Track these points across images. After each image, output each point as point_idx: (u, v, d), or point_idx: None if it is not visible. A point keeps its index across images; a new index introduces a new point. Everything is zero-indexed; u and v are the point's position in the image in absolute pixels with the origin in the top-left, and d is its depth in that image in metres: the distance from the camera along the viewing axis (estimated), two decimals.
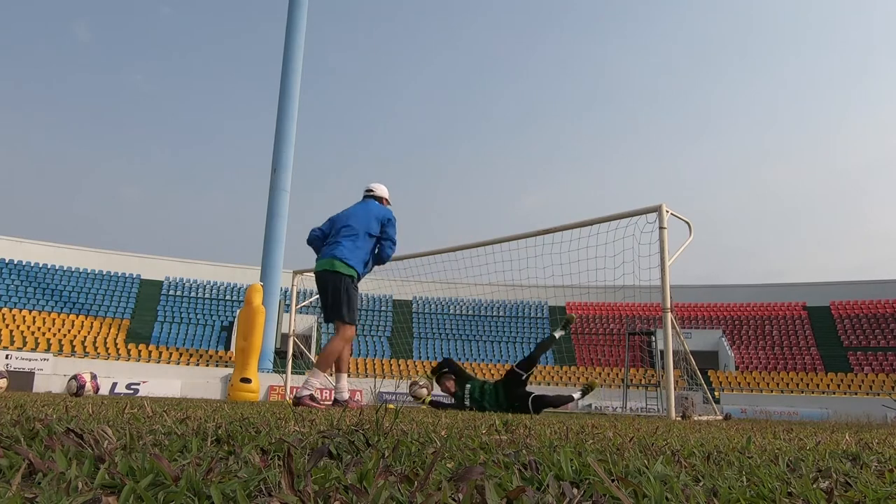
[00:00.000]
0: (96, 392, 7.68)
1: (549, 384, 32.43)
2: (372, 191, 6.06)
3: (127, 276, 38.47)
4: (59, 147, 78.31)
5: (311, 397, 5.28)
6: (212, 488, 0.71)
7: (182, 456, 1.05)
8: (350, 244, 5.48)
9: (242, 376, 10.17)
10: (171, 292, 38.48)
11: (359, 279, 5.57)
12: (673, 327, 6.63)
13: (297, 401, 5.19)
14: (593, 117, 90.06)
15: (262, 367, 24.75)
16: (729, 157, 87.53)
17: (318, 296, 5.60)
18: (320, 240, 5.79)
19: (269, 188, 28.45)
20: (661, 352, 7.03)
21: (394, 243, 5.74)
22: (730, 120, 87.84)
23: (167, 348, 32.74)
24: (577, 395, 6.94)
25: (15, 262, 36.22)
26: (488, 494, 0.74)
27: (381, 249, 5.71)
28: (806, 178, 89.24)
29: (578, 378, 34.18)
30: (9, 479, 0.78)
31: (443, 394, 7.08)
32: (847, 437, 2.56)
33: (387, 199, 6.09)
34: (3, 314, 32.01)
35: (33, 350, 29.22)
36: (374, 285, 34.12)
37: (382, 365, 34.65)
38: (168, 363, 31.28)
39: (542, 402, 6.60)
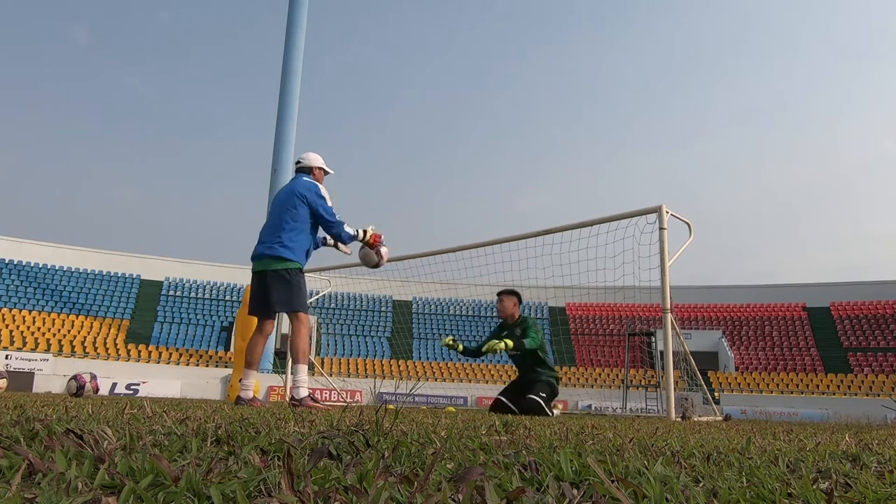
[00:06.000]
0: (96, 392, 7.68)
1: None
2: (300, 162, 5.50)
3: (127, 276, 38.46)
4: (59, 148, 78.34)
5: (312, 398, 5.16)
6: (212, 489, 0.71)
7: (182, 456, 1.05)
8: (285, 237, 5.11)
9: (242, 377, 10.15)
10: (171, 292, 38.47)
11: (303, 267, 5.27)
12: (673, 328, 6.63)
13: (298, 402, 5.02)
14: (592, 118, 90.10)
15: (262, 368, 24.75)
16: (729, 157, 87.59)
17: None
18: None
19: (269, 188, 28.48)
20: (661, 352, 7.02)
21: (330, 220, 5.17)
22: (730, 120, 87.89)
23: (167, 349, 32.74)
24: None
25: (15, 263, 36.21)
26: (488, 495, 0.74)
27: (327, 232, 5.26)
28: (806, 178, 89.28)
29: (578, 378, 34.16)
30: (9, 479, 0.78)
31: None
32: (847, 438, 2.56)
33: (319, 169, 5.48)
34: (3, 314, 32.01)
35: (33, 350, 29.22)
36: (374, 286, 34.11)
37: (382, 365, 34.64)
38: (168, 363, 31.28)
39: (534, 407, 5.90)
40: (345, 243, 5.42)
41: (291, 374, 5.39)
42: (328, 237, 5.47)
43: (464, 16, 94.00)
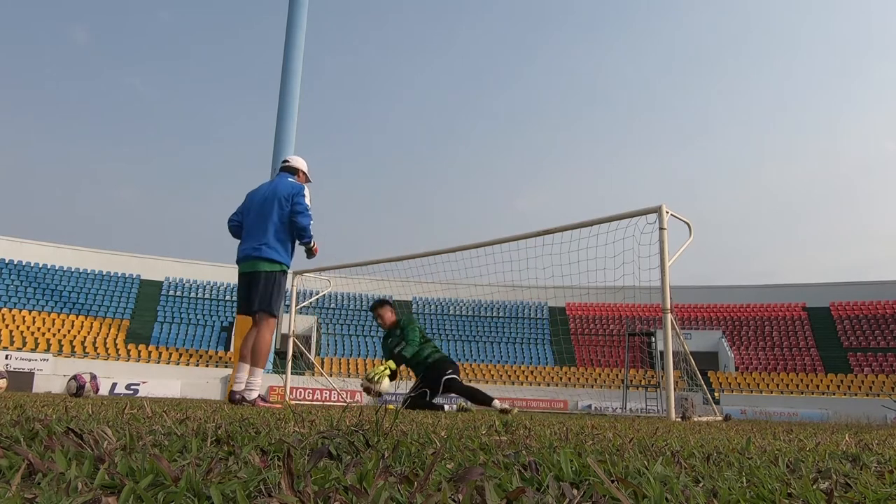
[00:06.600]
0: (96, 392, 7.68)
1: (548, 385, 32.42)
2: (287, 162, 5.67)
3: (127, 276, 38.46)
4: (59, 148, 78.30)
5: (262, 398, 5.22)
6: (212, 489, 0.71)
7: (182, 456, 1.05)
8: (272, 238, 5.18)
9: (236, 371, 10.14)
10: (171, 293, 38.47)
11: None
12: (673, 328, 6.62)
13: (251, 403, 5.02)
14: (592, 118, 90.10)
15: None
16: (729, 157, 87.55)
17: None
18: (239, 228, 5.43)
19: None
20: (661, 353, 7.02)
21: (303, 213, 5.24)
22: (730, 120, 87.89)
23: (167, 349, 32.73)
24: (496, 405, 6.20)
25: (15, 263, 36.21)
26: (488, 495, 0.74)
27: (294, 224, 5.26)
28: (806, 178, 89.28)
29: (578, 378, 34.16)
30: (9, 479, 0.78)
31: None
32: (847, 438, 2.56)
33: (304, 173, 5.67)
34: (3, 314, 32.00)
35: (33, 350, 29.22)
36: (374, 285, 34.10)
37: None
38: (168, 363, 31.28)
39: (454, 386, 6.19)
40: (302, 238, 5.40)
41: (240, 372, 5.34)
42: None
43: (464, 16, 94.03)
